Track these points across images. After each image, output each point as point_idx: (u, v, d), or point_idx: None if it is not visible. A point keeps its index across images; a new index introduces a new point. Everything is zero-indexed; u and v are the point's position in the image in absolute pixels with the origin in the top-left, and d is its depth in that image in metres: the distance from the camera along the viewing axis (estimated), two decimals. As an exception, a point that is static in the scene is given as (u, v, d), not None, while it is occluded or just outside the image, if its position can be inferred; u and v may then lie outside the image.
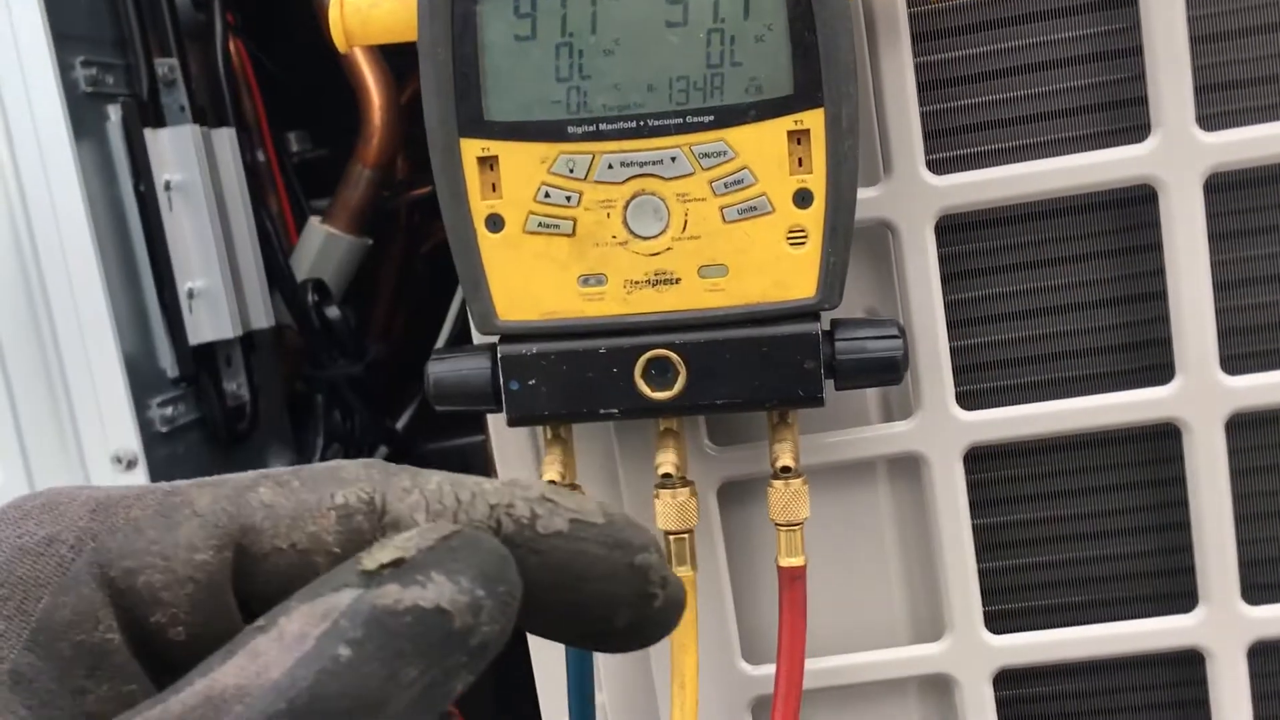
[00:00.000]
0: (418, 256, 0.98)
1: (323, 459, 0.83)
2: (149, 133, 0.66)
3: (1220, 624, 0.48)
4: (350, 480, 0.23)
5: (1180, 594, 0.49)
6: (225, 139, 0.73)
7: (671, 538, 0.46)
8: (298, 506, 0.22)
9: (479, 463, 0.94)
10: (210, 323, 0.68)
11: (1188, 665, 0.49)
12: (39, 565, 0.21)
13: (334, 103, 0.86)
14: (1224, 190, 0.46)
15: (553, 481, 0.44)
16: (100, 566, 0.21)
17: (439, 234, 0.89)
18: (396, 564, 0.20)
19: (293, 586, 0.21)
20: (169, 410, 0.65)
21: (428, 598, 0.20)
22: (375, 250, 0.91)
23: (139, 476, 0.62)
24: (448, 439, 0.97)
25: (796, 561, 0.45)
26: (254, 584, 0.22)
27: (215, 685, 0.19)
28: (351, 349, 0.83)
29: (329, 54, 0.45)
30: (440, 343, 0.88)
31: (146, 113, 0.66)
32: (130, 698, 0.21)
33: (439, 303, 0.89)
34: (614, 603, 0.23)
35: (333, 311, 0.81)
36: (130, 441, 0.61)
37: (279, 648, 0.19)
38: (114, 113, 0.64)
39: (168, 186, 0.67)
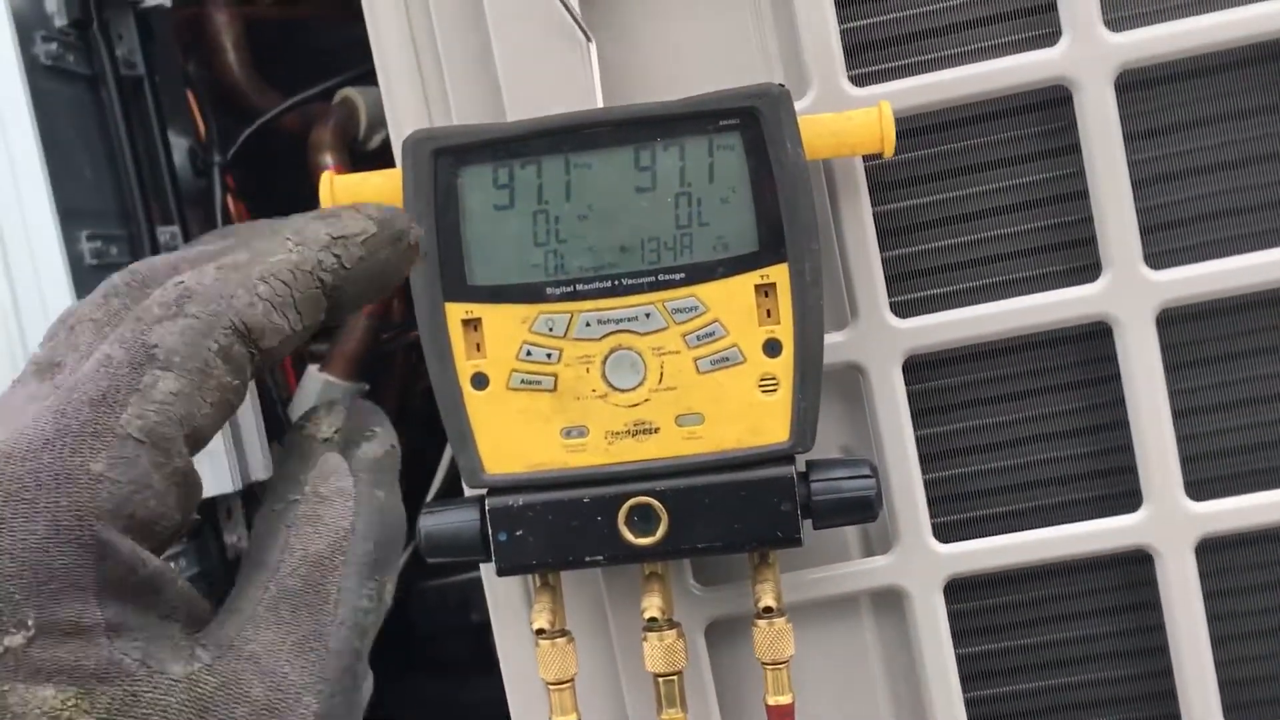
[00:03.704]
0: (416, 393, 0.99)
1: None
2: (150, 293, 0.68)
3: (1206, 747, 0.48)
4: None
5: (1165, 718, 0.50)
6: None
7: (660, 680, 0.46)
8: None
9: (479, 598, 0.94)
10: (211, 477, 0.69)
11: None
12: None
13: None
14: (1178, 323, 0.48)
15: (541, 630, 0.45)
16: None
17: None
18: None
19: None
20: (171, 566, 0.66)
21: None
22: (372, 394, 0.93)
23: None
24: (446, 577, 0.98)
25: (784, 700, 0.46)
26: None
27: (310, 551, 0.32)
28: (349, 493, 0.85)
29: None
30: (435, 486, 0.89)
31: (148, 274, 0.69)
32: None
33: (435, 440, 0.90)
34: (394, 264, 0.34)
35: (330, 458, 0.83)
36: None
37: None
38: (117, 276, 0.67)
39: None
